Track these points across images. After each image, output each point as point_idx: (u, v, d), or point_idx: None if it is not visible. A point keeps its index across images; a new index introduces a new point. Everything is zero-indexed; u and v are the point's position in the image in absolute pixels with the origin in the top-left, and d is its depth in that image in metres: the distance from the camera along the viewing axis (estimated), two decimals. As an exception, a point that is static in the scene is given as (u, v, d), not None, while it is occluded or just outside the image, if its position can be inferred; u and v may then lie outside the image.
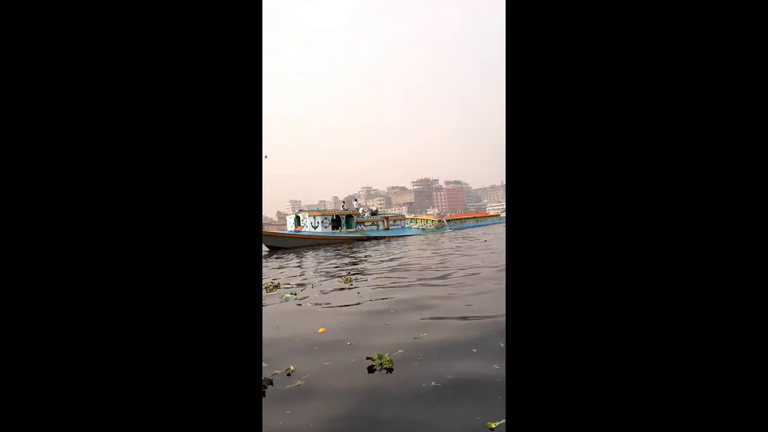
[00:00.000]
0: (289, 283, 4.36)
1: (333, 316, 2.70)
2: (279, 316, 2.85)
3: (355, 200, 19.35)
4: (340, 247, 12.21)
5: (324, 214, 16.19)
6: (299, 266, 6.74)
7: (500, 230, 17.02)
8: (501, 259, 5.34)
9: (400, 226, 18.44)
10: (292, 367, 1.66)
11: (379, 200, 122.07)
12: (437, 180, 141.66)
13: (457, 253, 7.08)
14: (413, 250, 8.80)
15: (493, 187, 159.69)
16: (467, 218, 24.51)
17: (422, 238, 14.94)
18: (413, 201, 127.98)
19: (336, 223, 16.32)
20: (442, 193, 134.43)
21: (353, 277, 4.48)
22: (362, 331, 2.22)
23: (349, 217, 16.76)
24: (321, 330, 2.23)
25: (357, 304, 3.02)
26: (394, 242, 12.95)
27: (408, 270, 5.02)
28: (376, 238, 16.17)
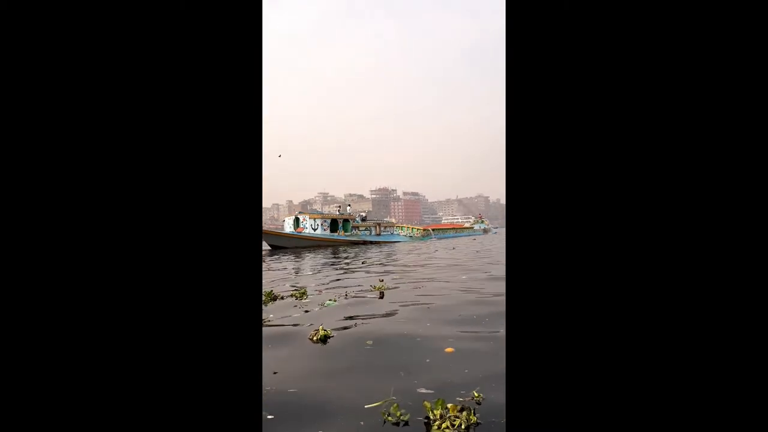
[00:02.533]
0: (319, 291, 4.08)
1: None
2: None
3: (348, 205, 20.67)
4: (341, 249, 13.54)
5: (324, 217, 17.36)
6: (317, 271, 6.40)
7: (482, 239, 19.25)
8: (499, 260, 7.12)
9: (390, 233, 20.12)
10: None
11: (336, 206, 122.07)
12: (396, 190, 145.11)
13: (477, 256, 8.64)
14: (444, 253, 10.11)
15: (448, 201, 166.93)
16: (448, 229, 26.92)
17: (415, 244, 16.62)
18: (371, 210, 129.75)
19: (334, 226, 17.56)
20: (399, 203, 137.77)
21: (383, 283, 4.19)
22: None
23: (345, 221, 18.10)
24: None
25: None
26: (386, 247, 14.42)
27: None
28: (370, 242, 17.63)
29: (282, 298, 3.61)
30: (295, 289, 3.98)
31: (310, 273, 6.11)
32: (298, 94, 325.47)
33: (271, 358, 1.85)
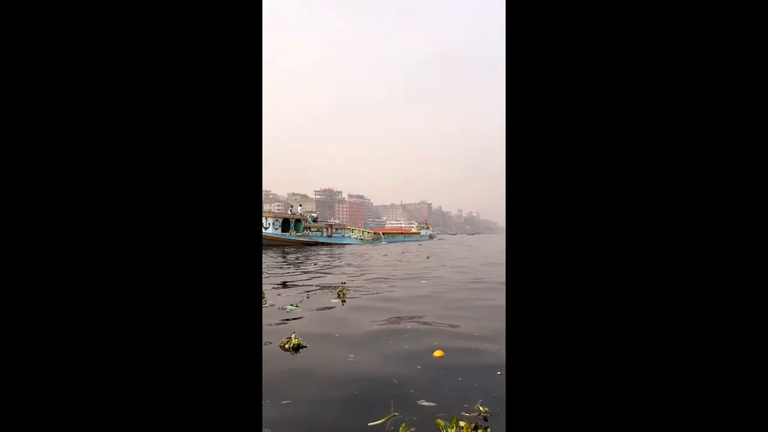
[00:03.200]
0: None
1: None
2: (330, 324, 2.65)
3: (300, 205, 20.34)
4: (292, 249, 13.42)
5: (276, 216, 16.95)
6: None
7: (427, 244, 20.14)
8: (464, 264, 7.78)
9: (341, 235, 20.15)
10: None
11: (278, 205, 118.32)
12: (341, 192, 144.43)
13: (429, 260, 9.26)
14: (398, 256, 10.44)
15: (392, 206, 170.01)
16: (397, 233, 27.57)
17: (367, 246, 16.92)
18: (315, 210, 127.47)
19: (286, 226, 17.22)
20: (344, 205, 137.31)
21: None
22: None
23: (297, 221, 17.81)
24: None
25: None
26: (337, 250, 14.50)
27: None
28: (321, 243, 17.53)
29: None
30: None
31: (265, 275, 5.87)
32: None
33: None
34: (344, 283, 4.52)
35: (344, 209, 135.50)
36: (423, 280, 5.23)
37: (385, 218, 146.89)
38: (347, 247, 16.50)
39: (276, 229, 16.66)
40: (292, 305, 3.27)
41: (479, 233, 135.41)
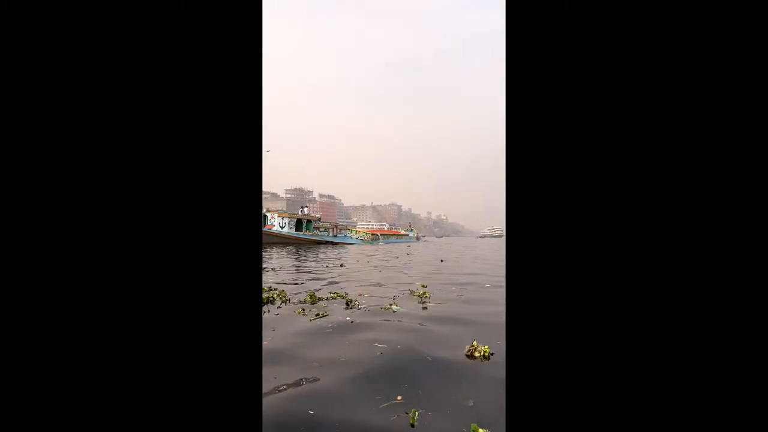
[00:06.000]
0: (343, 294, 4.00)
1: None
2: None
3: (306, 206, 22.24)
4: (305, 247, 15.43)
5: (291, 216, 18.88)
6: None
7: (416, 245, 22.34)
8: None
9: (344, 235, 22.26)
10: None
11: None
12: (312, 192, 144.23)
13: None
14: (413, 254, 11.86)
15: (363, 206, 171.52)
16: (391, 235, 29.95)
17: (369, 246, 19.18)
18: (285, 209, 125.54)
19: (299, 225, 19.18)
20: (315, 205, 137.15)
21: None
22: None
23: (308, 221, 19.83)
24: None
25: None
26: (341, 249, 16.54)
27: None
28: (329, 242, 19.61)
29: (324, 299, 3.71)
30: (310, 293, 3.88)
31: (321, 275, 6.09)
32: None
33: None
34: (425, 286, 4.63)
35: (315, 209, 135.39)
36: (487, 284, 5.19)
37: (355, 219, 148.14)
38: (353, 247, 18.83)
39: (291, 228, 18.55)
40: (392, 305, 3.43)
41: (448, 236, 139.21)
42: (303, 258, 10.46)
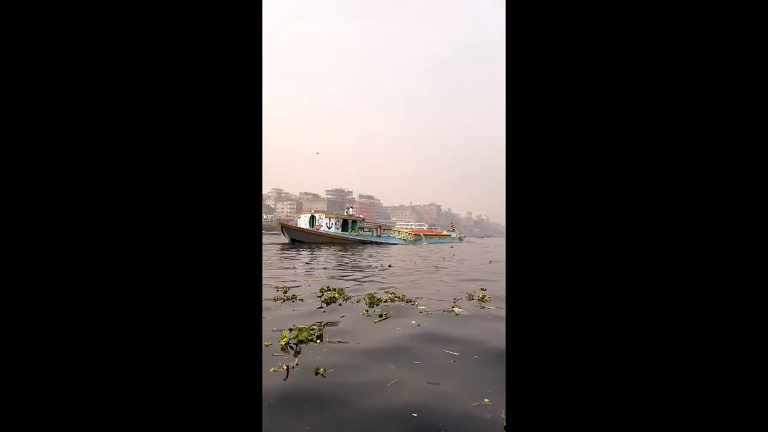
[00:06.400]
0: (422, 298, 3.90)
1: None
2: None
3: (351, 207, 22.66)
4: (351, 247, 15.72)
5: (337, 217, 19.39)
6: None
7: (459, 246, 22.05)
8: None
9: (387, 235, 22.44)
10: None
11: (290, 204, 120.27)
12: (351, 192, 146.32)
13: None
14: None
15: (401, 207, 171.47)
16: (433, 235, 29.84)
17: (412, 246, 19.12)
18: (326, 210, 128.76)
19: (345, 226, 19.60)
20: (355, 205, 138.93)
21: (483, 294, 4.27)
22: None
23: (353, 222, 20.20)
24: None
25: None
26: (385, 249, 16.73)
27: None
28: (372, 242, 19.83)
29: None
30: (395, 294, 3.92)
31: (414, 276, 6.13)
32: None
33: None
34: (484, 289, 4.65)
35: (355, 209, 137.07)
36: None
37: (394, 219, 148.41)
38: (397, 247, 18.96)
39: (337, 228, 19.00)
40: (454, 308, 3.48)
41: (489, 236, 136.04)
42: (350, 257, 10.76)
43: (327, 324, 2.83)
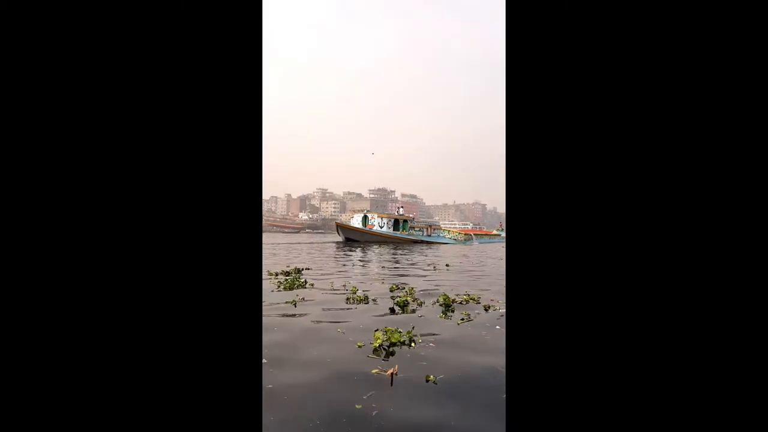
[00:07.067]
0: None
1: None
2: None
3: (401, 207, 22.70)
4: (402, 246, 15.78)
5: (389, 216, 19.52)
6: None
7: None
8: None
9: (437, 234, 22.20)
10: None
11: (334, 203, 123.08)
12: (394, 191, 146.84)
13: None
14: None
15: (445, 206, 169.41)
16: (484, 235, 29.19)
17: (463, 246, 18.70)
18: (369, 209, 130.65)
19: (396, 225, 19.68)
20: (398, 204, 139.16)
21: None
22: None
23: (404, 221, 20.23)
24: None
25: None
26: (436, 249, 16.58)
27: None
28: (423, 242, 19.67)
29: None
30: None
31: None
32: (297, 90, 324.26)
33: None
34: None
35: (405, 209, 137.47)
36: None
37: (437, 218, 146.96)
38: (447, 246, 18.69)
39: (389, 228, 19.14)
40: None
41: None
42: (405, 256, 10.78)
43: (413, 327, 2.71)
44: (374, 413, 1.46)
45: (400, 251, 12.91)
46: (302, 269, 6.18)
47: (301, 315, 3.12)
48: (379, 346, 2.30)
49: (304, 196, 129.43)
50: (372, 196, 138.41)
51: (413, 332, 2.53)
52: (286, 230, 63.55)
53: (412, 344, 2.36)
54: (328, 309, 3.37)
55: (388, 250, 13.63)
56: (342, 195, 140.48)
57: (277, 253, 10.80)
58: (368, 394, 1.61)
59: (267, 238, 24.63)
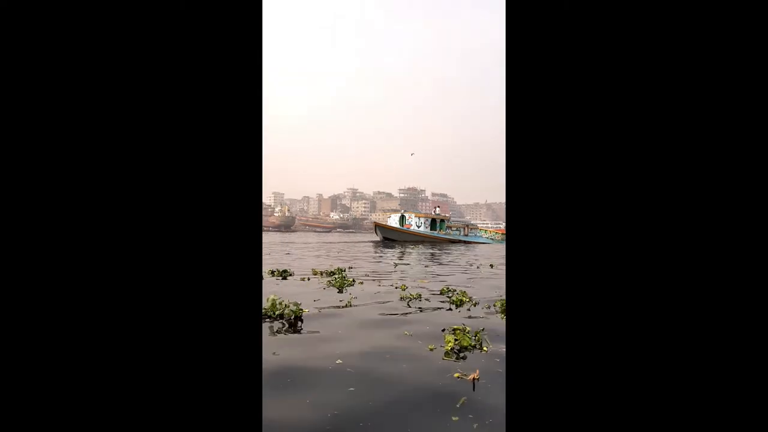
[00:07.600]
0: None
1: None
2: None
3: (438, 207, 22.58)
4: (439, 245, 15.68)
5: (426, 216, 19.51)
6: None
7: None
8: None
9: (474, 234, 21.91)
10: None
11: (365, 203, 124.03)
12: (424, 191, 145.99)
13: None
14: None
15: (476, 205, 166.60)
16: None
17: (501, 245, 18.27)
18: (399, 208, 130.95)
19: (433, 225, 19.60)
20: (427, 203, 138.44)
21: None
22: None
23: (441, 221, 20.11)
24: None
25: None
26: (474, 248, 16.37)
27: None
28: (461, 241, 19.41)
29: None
30: None
31: None
32: (325, 92, 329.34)
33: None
34: None
35: (428, 208, 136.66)
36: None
37: (468, 217, 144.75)
38: (485, 246, 18.24)
39: (426, 227, 19.11)
40: None
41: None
42: (444, 256, 10.65)
43: (483, 329, 2.62)
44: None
45: (438, 250, 12.83)
46: (344, 269, 6.18)
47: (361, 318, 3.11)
48: (450, 349, 2.24)
49: (335, 195, 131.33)
50: (402, 195, 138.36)
51: (481, 334, 2.45)
52: (318, 230, 64.73)
53: (484, 348, 2.27)
54: (384, 313, 3.32)
55: (425, 248, 13.60)
56: (372, 195, 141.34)
57: (320, 254, 10.89)
58: (459, 403, 1.55)
59: (300, 237, 25.15)
